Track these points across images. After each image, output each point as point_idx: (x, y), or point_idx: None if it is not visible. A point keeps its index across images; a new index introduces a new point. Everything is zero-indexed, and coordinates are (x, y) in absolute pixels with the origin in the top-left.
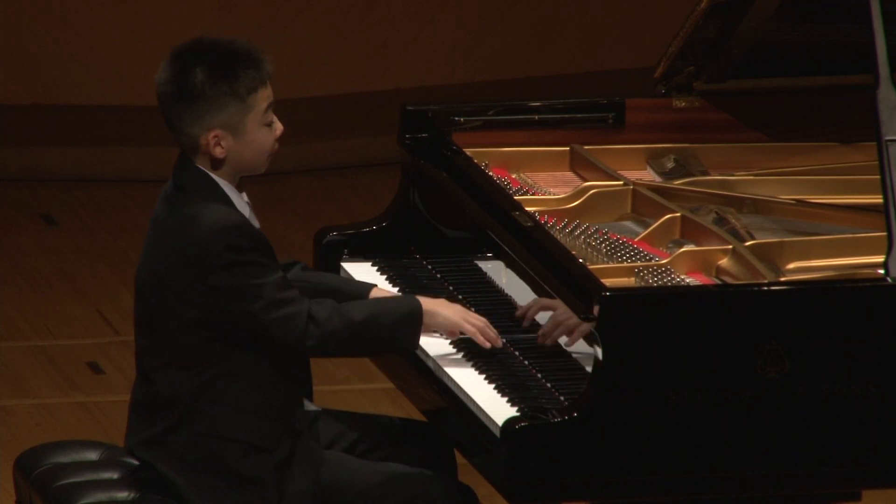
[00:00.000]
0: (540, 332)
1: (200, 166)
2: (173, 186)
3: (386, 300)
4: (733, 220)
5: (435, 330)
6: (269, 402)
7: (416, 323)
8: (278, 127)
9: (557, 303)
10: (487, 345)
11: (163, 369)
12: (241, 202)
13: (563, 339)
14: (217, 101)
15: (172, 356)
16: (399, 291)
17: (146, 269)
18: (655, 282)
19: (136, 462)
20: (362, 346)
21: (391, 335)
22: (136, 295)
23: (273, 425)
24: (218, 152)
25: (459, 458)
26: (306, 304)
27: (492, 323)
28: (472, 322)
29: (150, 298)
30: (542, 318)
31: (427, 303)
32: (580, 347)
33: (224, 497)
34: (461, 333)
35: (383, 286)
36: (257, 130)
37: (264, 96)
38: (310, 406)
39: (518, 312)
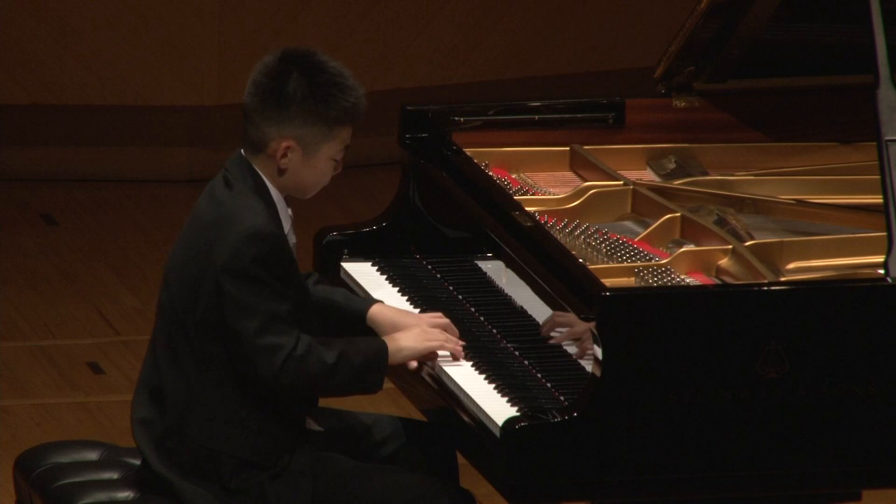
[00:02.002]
0: (545, 328)
1: (257, 168)
2: (222, 181)
3: (356, 340)
4: (733, 220)
5: (406, 362)
6: (268, 421)
7: (383, 364)
8: (340, 167)
9: (572, 318)
10: (458, 350)
11: (171, 362)
12: (285, 214)
13: (571, 348)
14: (306, 117)
15: (183, 351)
16: (399, 291)
17: (177, 257)
18: (655, 282)
19: (136, 462)
20: (333, 388)
21: (360, 377)
22: (162, 281)
23: (270, 443)
24: (283, 162)
25: (460, 459)
26: (294, 341)
27: (492, 323)
28: (432, 343)
29: (174, 287)
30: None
31: (391, 341)
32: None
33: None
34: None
35: (383, 286)
36: (325, 161)
37: (346, 135)
38: (312, 426)
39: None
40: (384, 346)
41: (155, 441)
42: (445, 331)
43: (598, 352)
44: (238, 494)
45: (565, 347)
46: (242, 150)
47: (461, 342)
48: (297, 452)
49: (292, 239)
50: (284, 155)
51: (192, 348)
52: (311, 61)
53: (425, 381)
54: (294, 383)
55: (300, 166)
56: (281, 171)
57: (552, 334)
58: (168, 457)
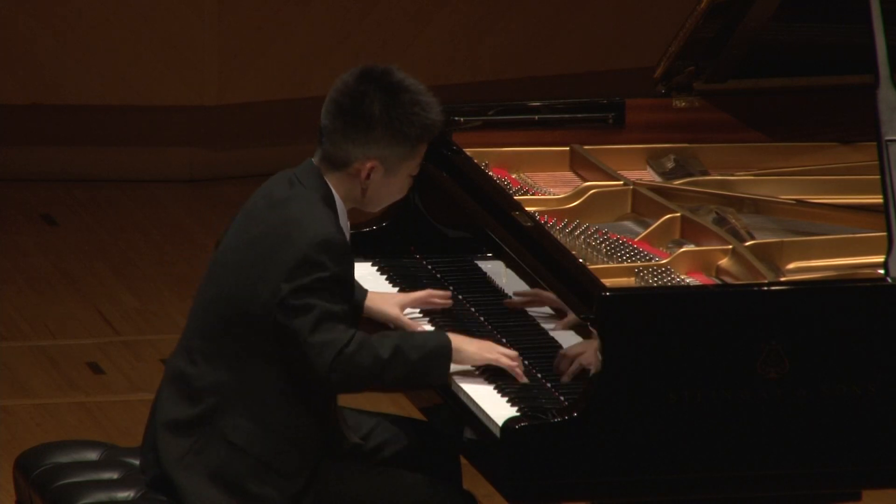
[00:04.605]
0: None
1: (328, 180)
2: (289, 183)
3: (413, 335)
4: (733, 220)
5: (463, 364)
6: (298, 429)
7: (445, 358)
8: (411, 182)
9: (552, 297)
10: (520, 374)
11: (212, 356)
12: (345, 225)
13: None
14: (391, 137)
15: (228, 346)
16: (399, 292)
17: (234, 254)
18: (655, 282)
19: (135, 462)
20: (390, 382)
21: (419, 371)
22: (209, 275)
23: (295, 452)
24: (366, 182)
25: (460, 459)
26: (347, 338)
27: (492, 323)
28: (494, 356)
29: (228, 283)
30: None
31: (456, 340)
32: (563, 335)
33: None
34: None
35: (383, 286)
36: (404, 177)
37: (423, 150)
38: (353, 438)
39: (509, 302)
40: (447, 343)
41: (177, 434)
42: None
43: (598, 350)
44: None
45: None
46: (314, 161)
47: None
48: (318, 469)
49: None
50: (368, 175)
51: (239, 345)
52: (391, 80)
53: None
54: (345, 380)
55: (380, 185)
56: (363, 190)
57: (552, 336)
58: (188, 456)
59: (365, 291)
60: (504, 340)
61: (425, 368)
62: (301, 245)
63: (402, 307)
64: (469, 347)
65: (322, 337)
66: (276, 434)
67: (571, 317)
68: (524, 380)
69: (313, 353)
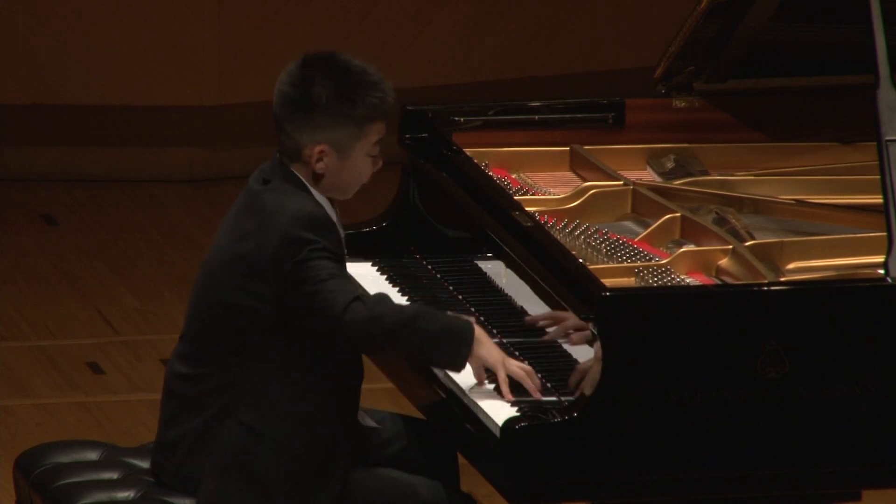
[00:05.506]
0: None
1: (297, 173)
2: (261, 181)
3: (438, 311)
4: (733, 220)
5: (475, 358)
6: (319, 410)
7: (465, 341)
8: (379, 161)
9: (570, 315)
10: (537, 394)
11: (218, 358)
12: (332, 211)
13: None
14: (334, 119)
15: (230, 346)
16: (399, 291)
17: (221, 254)
18: (655, 282)
19: (135, 462)
20: (404, 344)
21: (436, 345)
22: (203, 277)
23: (318, 437)
24: (319, 167)
25: (460, 459)
26: (360, 289)
27: (492, 323)
28: (512, 367)
29: (214, 285)
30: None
31: (479, 332)
32: (580, 348)
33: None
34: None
35: (383, 286)
36: (361, 158)
37: (378, 129)
38: (368, 421)
39: (528, 319)
40: (470, 325)
41: (187, 432)
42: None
43: (598, 352)
44: (265, 493)
45: (566, 348)
46: (278, 155)
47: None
48: (340, 463)
49: (341, 231)
50: (319, 160)
51: (237, 342)
52: (333, 63)
53: (425, 380)
54: (361, 330)
55: (337, 168)
56: (318, 176)
57: (548, 331)
58: (202, 453)
59: None
60: (505, 341)
61: (442, 344)
62: (280, 225)
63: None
64: (489, 343)
65: (334, 285)
66: (301, 420)
67: (587, 333)
68: (538, 396)
69: (326, 301)
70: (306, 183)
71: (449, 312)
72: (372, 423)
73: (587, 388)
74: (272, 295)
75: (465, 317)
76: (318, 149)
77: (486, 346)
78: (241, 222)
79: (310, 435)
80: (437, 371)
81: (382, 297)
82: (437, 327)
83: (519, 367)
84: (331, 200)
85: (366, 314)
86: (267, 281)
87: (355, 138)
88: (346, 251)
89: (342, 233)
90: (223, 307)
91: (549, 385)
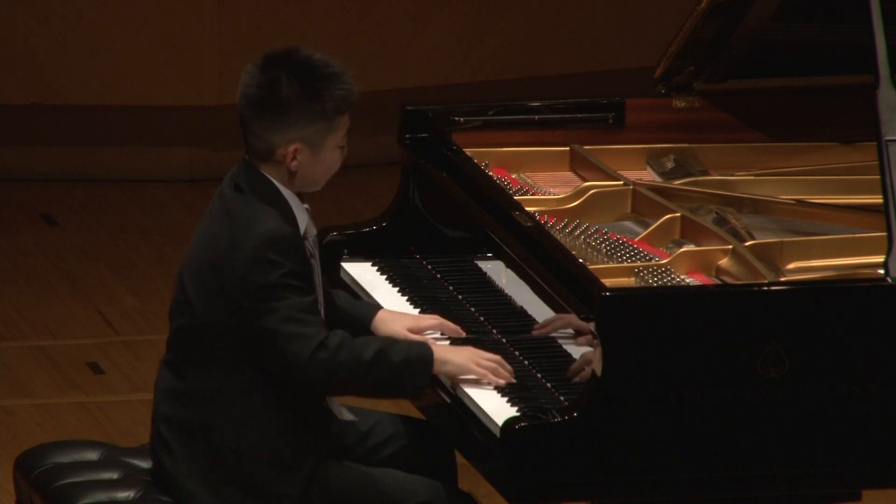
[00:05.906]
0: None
1: (265, 173)
2: (233, 187)
3: (397, 341)
4: (733, 220)
5: (444, 375)
6: (296, 419)
7: (425, 369)
8: (345, 151)
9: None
10: (501, 382)
11: (194, 366)
12: (300, 210)
13: (571, 347)
14: (306, 117)
15: (204, 355)
16: (399, 292)
17: (193, 265)
18: (655, 282)
19: (135, 462)
20: (365, 386)
21: (400, 376)
22: (176, 286)
23: (299, 443)
24: (293, 165)
25: (459, 459)
26: (324, 333)
27: (492, 323)
28: (482, 364)
29: (192, 293)
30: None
31: (438, 350)
32: (580, 348)
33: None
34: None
35: (383, 286)
36: (332, 151)
37: (346, 120)
38: (346, 416)
39: (535, 330)
40: (429, 352)
41: (180, 441)
42: (494, 372)
43: (598, 352)
44: (261, 500)
45: (566, 348)
46: (247, 157)
47: (511, 378)
48: (326, 458)
49: (312, 231)
50: (294, 158)
51: (213, 353)
52: (295, 60)
53: None
54: (325, 377)
55: (310, 164)
56: (293, 174)
57: (552, 336)
58: (192, 458)
59: (376, 308)
60: (504, 341)
61: (404, 376)
62: (249, 245)
63: (411, 331)
64: (451, 357)
65: (296, 329)
66: (279, 431)
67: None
68: (501, 382)
69: (290, 347)
70: (277, 184)
71: (405, 339)
72: (350, 417)
73: (597, 369)
74: (237, 308)
75: (422, 342)
76: (291, 147)
77: (450, 363)
78: (214, 229)
79: (282, 441)
80: (436, 371)
81: (343, 339)
82: (399, 359)
83: (488, 360)
84: (300, 196)
85: (327, 364)
86: (231, 295)
87: (327, 132)
88: (317, 254)
89: (314, 230)
90: (192, 316)
91: (548, 385)
